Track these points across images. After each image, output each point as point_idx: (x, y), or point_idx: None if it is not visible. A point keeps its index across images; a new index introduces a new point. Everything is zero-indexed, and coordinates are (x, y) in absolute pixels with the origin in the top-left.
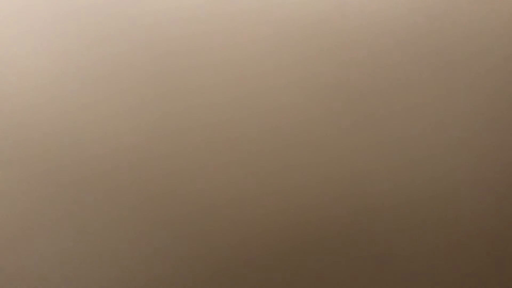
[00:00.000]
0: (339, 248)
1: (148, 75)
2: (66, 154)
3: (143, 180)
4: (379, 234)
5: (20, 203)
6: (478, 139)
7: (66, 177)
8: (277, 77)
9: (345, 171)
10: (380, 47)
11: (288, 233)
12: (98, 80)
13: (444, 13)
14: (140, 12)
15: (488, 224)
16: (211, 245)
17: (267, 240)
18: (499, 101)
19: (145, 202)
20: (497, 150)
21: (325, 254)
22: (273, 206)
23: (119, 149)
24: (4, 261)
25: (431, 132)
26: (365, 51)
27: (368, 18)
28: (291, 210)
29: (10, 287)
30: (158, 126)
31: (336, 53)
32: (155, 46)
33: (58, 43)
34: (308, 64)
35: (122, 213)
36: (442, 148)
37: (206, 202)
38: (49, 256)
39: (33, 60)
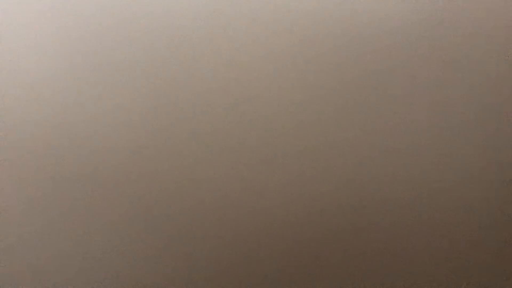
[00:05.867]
0: (340, 247)
1: (149, 74)
2: (65, 153)
3: (143, 178)
4: (379, 231)
5: (18, 201)
6: (478, 138)
7: (65, 176)
8: (277, 77)
9: (346, 170)
10: (381, 47)
11: (288, 231)
12: (97, 79)
13: (445, 12)
14: (140, 10)
15: (487, 222)
16: (211, 243)
17: (266, 238)
18: (500, 100)
19: (145, 201)
20: (497, 149)
21: (325, 252)
22: (272, 204)
23: (119, 148)
24: (5, 260)
25: (431, 131)
26: (365, 51)
27: (369, 18)
28: (291, 208)
29: (11, 286)
30: (159, 125)
31: (336, 53)
32: (156, 45)
33: (57, 42)
34: (308, 64)
35: (121, 211)
36: (442, 147)
37: (205, 201)
38: (49, 256)
39: (32, 59)
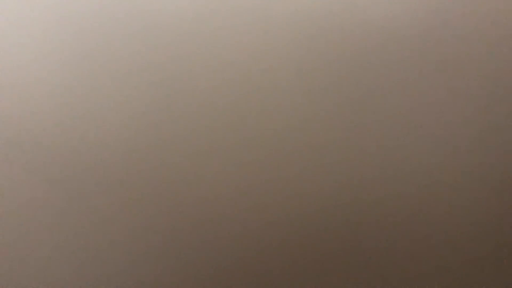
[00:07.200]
0: (340, 250)
1: (149, 74)
2: (66, 153)
3: (143, 179)
4: (379, 231)
5: (19, 201)
6: (478, 138)
7: (66, 176)
8: (276, 77)
9: (346, 171)
10: (382, 46)
11: (287, 232)
12: (98, 79)
13: (446, 12)
14: (141, 12)
15: (487, 223)
16: (209, 242)
17: (265, 239)
18: (500, 100)
19: (145, 201)
20: (498, 149)
21: (326, 254)
22: (271, 205)
23: (119, 148)
24: (5, 260)
25: (431, 130)
26: (366, 50)
27: (370, 17)
28: (291, 209)
29: (11, 285)
30: (159, 125)
31: (337, 52)
32: (157, 46)
33: (59, 43)
34: (308, 64)
35: (121, 212)
36: (443, 147)
37: (204, 201)
38: (48, 255)
39: (32, 59)
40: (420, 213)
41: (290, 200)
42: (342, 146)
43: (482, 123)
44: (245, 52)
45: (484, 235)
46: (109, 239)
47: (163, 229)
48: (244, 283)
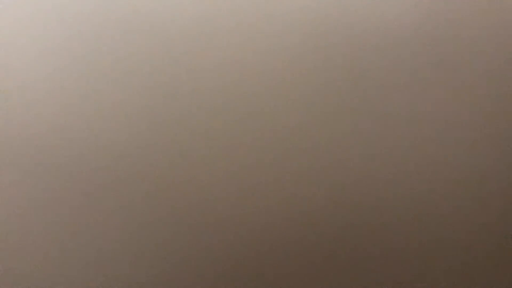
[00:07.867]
0: (340, 251)
1: (151, 75)
2: (66, 153)
3: (143, 179)
4: (379, 233)
5: (19, 201)
6: (478, 138)
7: (66, 177)
8: (278, 78)
9: (346, 172)
10: (382, 46)
11: (286, 232)
12: (99, 80)
13: (446, 12)
14: (141, 12)
15: (487, 222)
16: (210, 242)
17: (264, 239)
18: (500, 100)
19: (145, 201)
20: (498, 149)
21: (326, 256)
22: (270, 205)
23: (119, 148)
24: (4, 259)
25: (431, 131)
26: (366, 51)
27: (370, 18)
28: (290, 210)
29: (11, 286)
30: (160, 126)
31: (337, 53)
32: (158, 46)
33: (59, 43)
34: (308, 65)
35: (121, 212)
36: (443, 147)
37: (204, 201)
38: (48, 255)
39: (33, 60)
40: (419, 214)
41: (290, 201)
42: (342, 147)
43: (482, 124)
44: (244, 53)
45: (484, 236)
46: (109, 240)
47: (162, 230)
48: (243, 284)
